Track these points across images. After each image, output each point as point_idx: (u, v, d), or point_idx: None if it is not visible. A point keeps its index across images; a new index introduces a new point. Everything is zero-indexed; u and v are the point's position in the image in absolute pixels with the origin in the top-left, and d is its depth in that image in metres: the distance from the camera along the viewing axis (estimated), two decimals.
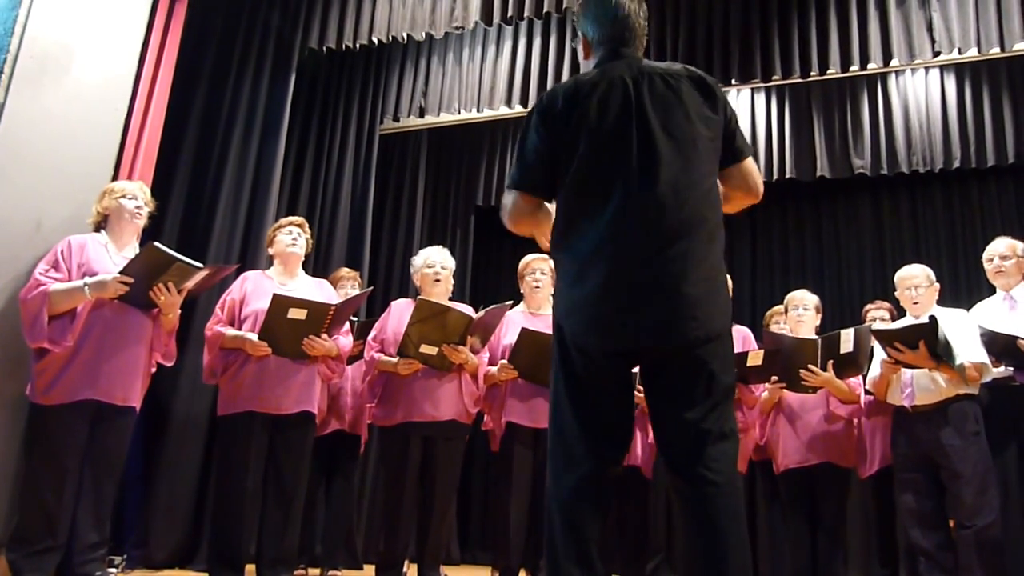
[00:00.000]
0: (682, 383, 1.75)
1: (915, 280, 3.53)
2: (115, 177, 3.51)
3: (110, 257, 3.02)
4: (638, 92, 1.80)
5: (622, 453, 1.82)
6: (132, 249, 3.13)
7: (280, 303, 3.11)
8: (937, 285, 3.57)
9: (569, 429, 1.78)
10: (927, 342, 3.21)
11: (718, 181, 1.87)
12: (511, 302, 3.67)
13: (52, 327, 2.83)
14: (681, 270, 1.72)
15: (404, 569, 3.53)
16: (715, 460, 1.70)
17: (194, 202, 4.37)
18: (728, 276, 3.71)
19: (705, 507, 1.67)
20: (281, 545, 3.16)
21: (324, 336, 3.23)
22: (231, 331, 3.22)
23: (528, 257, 3.73)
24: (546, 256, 3.12)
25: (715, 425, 1.72)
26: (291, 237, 3.42)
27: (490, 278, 6.51)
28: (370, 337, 3.56)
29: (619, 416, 1.82)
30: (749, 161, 1.91)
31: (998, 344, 3.29)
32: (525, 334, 3.40)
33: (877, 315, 3.92)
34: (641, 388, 1.86)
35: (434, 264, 3.60)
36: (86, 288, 2.86)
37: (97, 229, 3.13)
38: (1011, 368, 3.33)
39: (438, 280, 3.57)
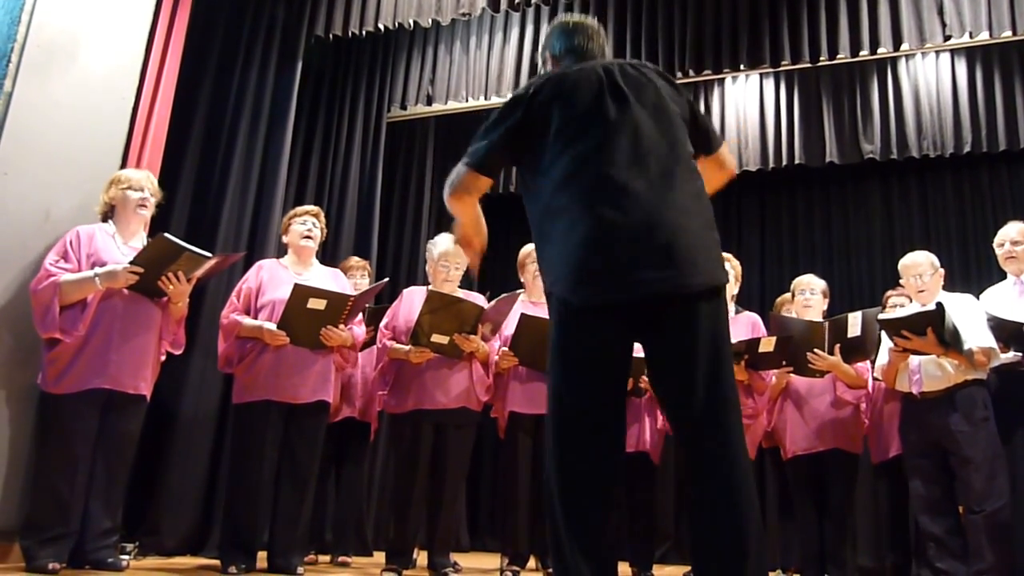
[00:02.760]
0: (685, 352, 1.71)
1: (919, 268, 3.51)
2: (123, 166, 3.51)
3: (118, 247, 3.04)
4: (610, 75, 1.91)
5: (620, 435, 1.81)
6: (139, 239, 3.14)
7: (301, 293, 3.12)
8: (942, 271, 3.54)
9: (566, 409, 1.75)
10: (934, 328, 3.19)
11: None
12: (521, 291, 3.66)
13: (63, 317, 2.85)
14: (675, 220, 1.73)
15: (414, 555, 3.55)
16: (724, 429, 1.69)
17: (202, 191, 4.37)
18: (736, 261, 3.76)
19: (718, 475, 1.66)
20: (294, 531, 3.18)
21: (341, 326, 3.24)
22: (248, 320, 3.22)
23: (528, 247, 3.68)
24: None
25: (722, 393, 1.71)
26: (306, 227, 3.42)
27: (497, 266, 6.49)
28: (382, 324, 3.56)
29: (614, 393, 1.78)
30: (723, 149, 2.05)
31: (1006, 331, 3.27)
32: (524, 320, 3.40)
33: (898, 301, 3.89)
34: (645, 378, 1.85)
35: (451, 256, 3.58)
36: (97, 279, 2.88)
37: (105, 219, 3.14)
38: (1019, 353, 3.32)
39: (457, 268, 3.55)
